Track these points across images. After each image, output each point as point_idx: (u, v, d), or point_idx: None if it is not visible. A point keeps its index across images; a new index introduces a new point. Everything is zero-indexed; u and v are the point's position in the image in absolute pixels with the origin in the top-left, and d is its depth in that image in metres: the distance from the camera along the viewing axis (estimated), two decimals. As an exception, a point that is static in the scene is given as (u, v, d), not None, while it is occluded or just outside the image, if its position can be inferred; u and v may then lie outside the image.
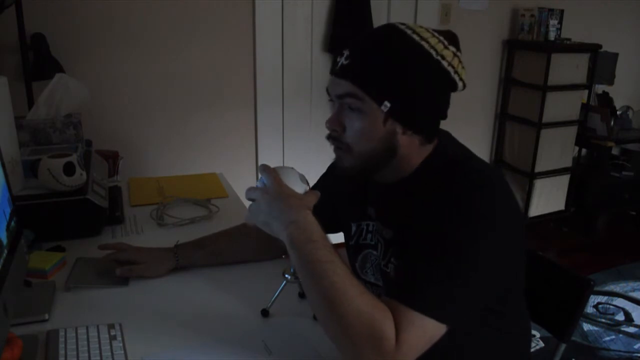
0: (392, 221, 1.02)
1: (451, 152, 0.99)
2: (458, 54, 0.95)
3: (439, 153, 0.99)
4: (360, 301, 0.81)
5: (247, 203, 0.95)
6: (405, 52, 0.91)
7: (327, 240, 0.87)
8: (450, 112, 0.99)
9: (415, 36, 0.92)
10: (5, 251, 0.89)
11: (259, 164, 2.87)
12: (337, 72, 0.94)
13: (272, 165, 0.95)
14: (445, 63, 0.92)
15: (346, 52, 0.93)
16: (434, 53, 0.91)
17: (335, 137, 0.97)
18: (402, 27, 0.94)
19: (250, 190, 0.93)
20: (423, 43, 0.91)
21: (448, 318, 0.83)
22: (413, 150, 0.97)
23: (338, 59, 0.94)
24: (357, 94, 0.91)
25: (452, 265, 0.84)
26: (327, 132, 0.98)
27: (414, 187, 0.97)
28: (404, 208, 0.98)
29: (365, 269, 1.11)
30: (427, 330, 0.82)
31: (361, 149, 0.95)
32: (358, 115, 0.93)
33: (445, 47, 0.93)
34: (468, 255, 0.85)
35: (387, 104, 0.90)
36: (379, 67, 0.90)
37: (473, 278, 0.85)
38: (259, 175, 0.94)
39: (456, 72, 0.94)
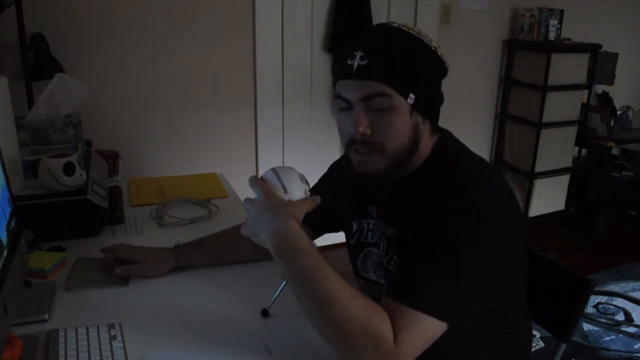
0: (394, 219, 1.02)
1: (451, 151, 1.00)
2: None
3: (440, 151, 1.00)
4: (355, 304, 0.81)
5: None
6: (415, 46, 0.94)
7: (313, 247, 0.87)
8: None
9: (412, 32, 0.95)
10: (5, 251, 0.89)
11: (258, 165, 2.89)
12: (355, 74, 0.92)
13: (272, 166, 0.95)
14: (439, 52, 0.96)
15: (359, 54, 0.92)
16: (429, 43, 0.95)
17: (365, 141, 0.94)
18: (395, 25, 0.97)
19: (245, 201, 0.94)
20: (421, 37, 0.95)
21: (448, 316, 0.83)
22: (424, 143, 0.99)
23: (350, 62, 0.92)
24: (385, 91, 0.91)
25: (450, 264, 0.85)
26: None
27: (415, 185, 0.98)
28: (405, 206, 0.98)
29: (366, 267, 1.11)
30: (427, 328, 0.82)
31: (394, 146, 0.94)
32: (389, 113, 0.92)
33: (431, 39, 0.97)
34: (466, 253, 0.85)
35: (412, 96, 0.92)
36: (399, 62, 0.91)
37: (471, 275, 0.86)
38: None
39: (445, 60, 0.98)
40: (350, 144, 0.97)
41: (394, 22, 0.97)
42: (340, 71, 0.95)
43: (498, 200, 0.91)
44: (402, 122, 0.93)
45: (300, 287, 0.85)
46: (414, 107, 0.93)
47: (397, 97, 0.91)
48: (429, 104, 0.97)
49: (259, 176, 0.95)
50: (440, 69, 0.97)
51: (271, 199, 0.90)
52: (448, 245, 0.85)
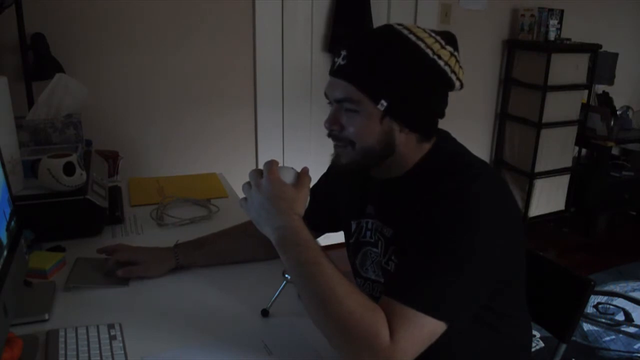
0: (392, 219, 1.02)
1: (449, 151, 1.00)
2: (455, 53, 0.96)
3: (437, 151, 0.99)
4: (350, 301, 0.82)
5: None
6: (402, 51, 0.92)
7: (314, 243, 0.88)
8: (450, 111, 0.99)
9: (411, 36, 0.93)
10: (5, 251, 0.89)
11: (258, 165, 2.89)
12: (334, 72, 0.95)
13: None
14: (441, 62, 0.93)
15: (343, 53, 0.94)
16: (430, 52, 0.92)
17: (335, 135, 0.98)
18: (399, 27, 0.95)
19: (252, 179, 0.94)
20: (419, 43, 0.92)
21: (445, 315, 0.83)
22: (410, 148, 0.98)
23: (335, 60, 0.96)
24: (352, 97, 0.92)
25: (447, 262, 0.85)
26: (326, 134, 1.00)
27: (412, 185, 0.98)
28: (402, 206, 0.98)
29: (365, 266, 1.11)
30: (424, 327, 0.82)
31: (362, 144, 0.96)
32: (357, 115, 0.94)
33: (442, 47, 0.94)
34: (464, 253, 0.85)
35: (384, 102, 0.91)
36: (375, 66, 0.91)
37: (469, 275, 0.86)
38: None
39: (453, 71, 0.94)
40: (328, 136, 1.00)
41: (399, 24, 0.96)
42: (330, 67, 0.98)
43: (495, 200, 0.91)
44: (367, 125, 0.94)
45: (299, 281, 0.87)
46: (386, 114, 0.93)
47: (367, 102, 0.92)
48: (409, 114, 0.94)
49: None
50: (435, 79, 0.94)
51: (276, 189, 0.90)
52: (446, 245, 0.86)
